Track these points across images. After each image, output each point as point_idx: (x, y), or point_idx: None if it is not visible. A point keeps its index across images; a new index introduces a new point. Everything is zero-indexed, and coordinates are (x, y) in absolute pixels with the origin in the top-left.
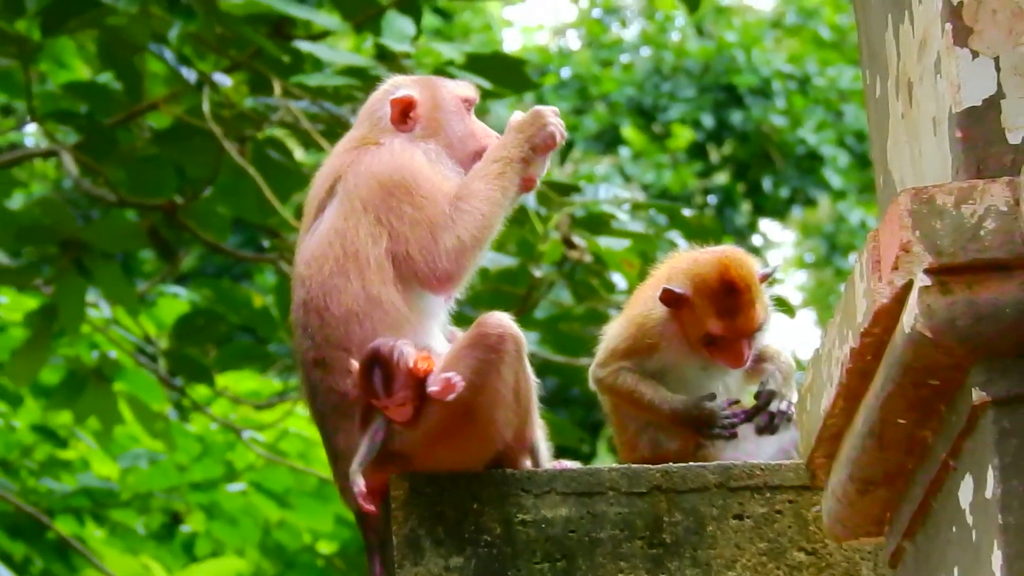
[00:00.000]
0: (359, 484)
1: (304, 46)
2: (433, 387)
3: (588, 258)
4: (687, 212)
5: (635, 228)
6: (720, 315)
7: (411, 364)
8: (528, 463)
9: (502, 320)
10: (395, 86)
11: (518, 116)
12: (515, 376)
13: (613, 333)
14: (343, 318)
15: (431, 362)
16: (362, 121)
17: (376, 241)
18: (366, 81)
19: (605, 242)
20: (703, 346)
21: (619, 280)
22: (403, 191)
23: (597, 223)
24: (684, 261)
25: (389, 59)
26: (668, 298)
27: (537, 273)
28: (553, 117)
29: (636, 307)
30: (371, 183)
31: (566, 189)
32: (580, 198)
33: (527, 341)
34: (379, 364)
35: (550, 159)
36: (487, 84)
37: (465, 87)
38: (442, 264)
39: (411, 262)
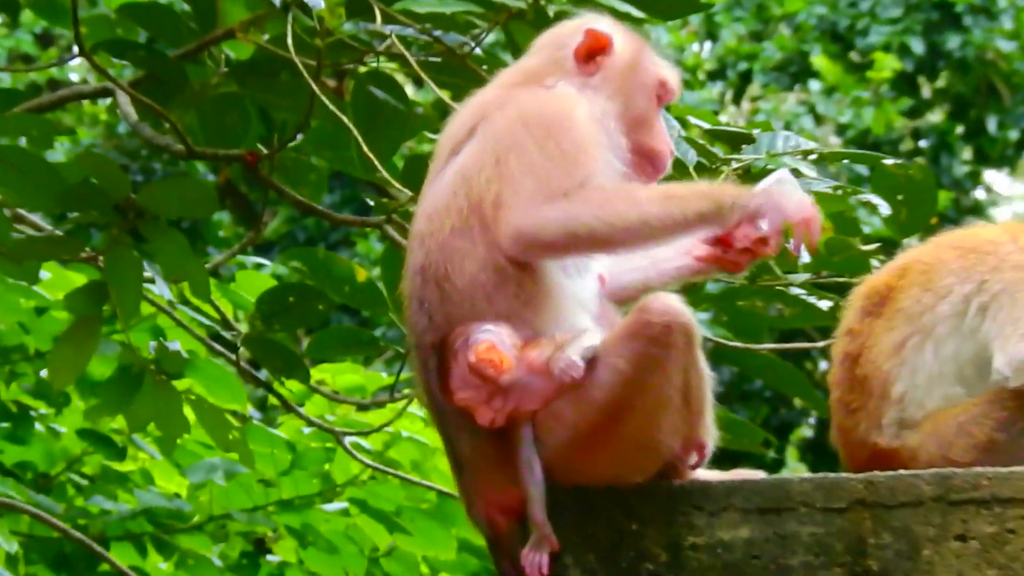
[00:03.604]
0: (541, 559)
1: None
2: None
3: None
4: (890, 162)
5: (823, 187)
6: None
7: (472, 358)
8: (701, 474)
9: (669, 305)
10: (595, 20)
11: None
12: (684, 373)
13: None
14: (467, 291)
15: (498, 354)
16: (538, 50)
17: (490, 187)
18: (487, 8)
19: None
20: None
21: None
22: (543, 132)
23: None
24: None
25: None
26: None
27: None
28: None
29: None
30: (515, 123)
31: (736, 139)
32: (754, 150)
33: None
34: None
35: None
36: (640, 14)
37: (671, 72)
38: (523, 220)
39: (497, 207)
